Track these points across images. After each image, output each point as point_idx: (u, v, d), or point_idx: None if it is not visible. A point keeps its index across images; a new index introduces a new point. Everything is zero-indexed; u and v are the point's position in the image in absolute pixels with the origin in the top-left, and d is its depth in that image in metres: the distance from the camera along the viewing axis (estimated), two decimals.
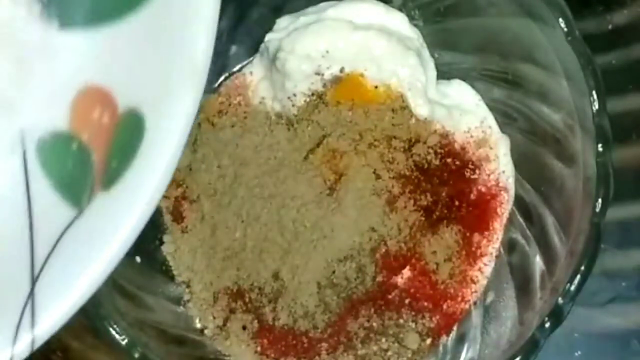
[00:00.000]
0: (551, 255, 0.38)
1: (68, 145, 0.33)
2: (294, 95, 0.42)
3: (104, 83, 0.32)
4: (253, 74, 0.45)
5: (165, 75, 0.31)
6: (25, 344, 0.31)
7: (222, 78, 0.46)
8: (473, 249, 0.42)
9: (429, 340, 0.42)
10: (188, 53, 0.31)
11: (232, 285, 0.42)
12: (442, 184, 0.42)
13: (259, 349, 0.42)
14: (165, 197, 0.41)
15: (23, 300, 0.31)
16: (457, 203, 0.42)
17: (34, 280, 0.31)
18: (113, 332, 0.36)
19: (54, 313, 0.31)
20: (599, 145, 0.36)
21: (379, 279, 0.41)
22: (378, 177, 0.41)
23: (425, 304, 0.42)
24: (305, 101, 0.42)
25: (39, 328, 0.31)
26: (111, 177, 0.32)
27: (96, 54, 0.33)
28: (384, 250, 0.41)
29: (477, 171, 0.43)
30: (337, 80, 0.43)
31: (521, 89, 0.42)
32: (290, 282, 0.41)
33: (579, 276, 0.35)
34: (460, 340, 0.42)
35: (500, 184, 0.43)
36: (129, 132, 0.32)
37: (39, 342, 0.31)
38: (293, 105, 0.42)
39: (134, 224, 0.31)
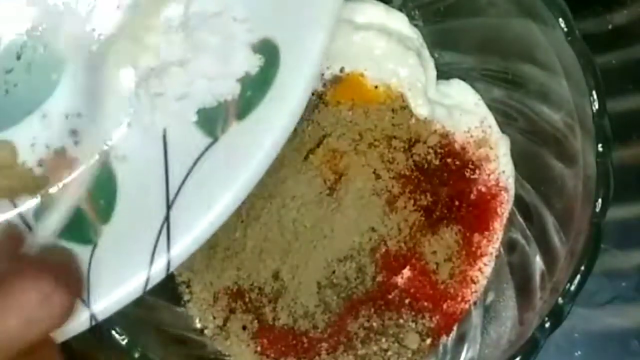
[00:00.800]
0: (551, 255, 0.38)
1: None
2: None
3: (242, 13, 0.33)
4: None
5: (300, 10, 0.32)
6: (161, 266, 0.32)
7: None
8: (473, 249, 0.42)
9: (429, 340, 0.42)
10: None
11: (232, 285, 0.42)
12: (442, 184, 0.42)
13: (259, 349, 0.42)
14: None
15: (159, 225, 0.32)
16: (457, 203, 0.42)
17: (169, 205, 0.33)
18: (113, 332, 0.36)
19: (189, 236, 0.32)
20: (599, 145, 0.36)
21: (379, 279, 0.41)
22: (378, 177, 0.41)
23: (425, 304, 0.42)
24: None
25: (174, 250, 0.32)
26: (245, 107, 0.32)
27: None
28: (384, 250, 0.41)
29: (477, 171, 0.43)
30: (337, 80, 0.43)
31: (521, 89, 0.42)
32: (290, 282, 0.41)
33: (579, 276, 0.35)
34: (460, 340, 0.42)
35: (500, 184, 0.43)
36: (263, 63, 0.32)
37: (174, 264, 0.32)
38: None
39: (267, 151, 0.32)
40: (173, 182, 0.33)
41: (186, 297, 0.43)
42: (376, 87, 0.43)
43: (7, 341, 0.26)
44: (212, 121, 0.33)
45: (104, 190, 0.33)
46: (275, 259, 0.41)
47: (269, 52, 0.32)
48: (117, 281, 0.32)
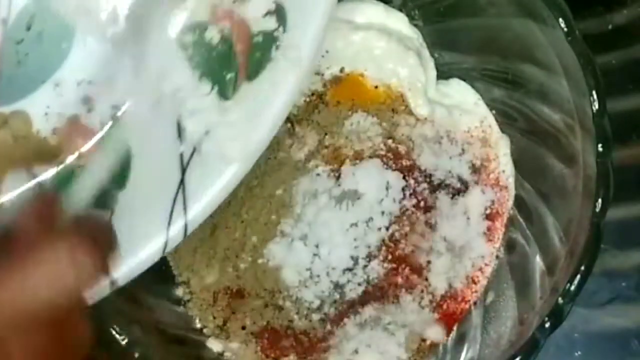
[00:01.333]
0: (551, 255, 0.38)
1: (210, 36, 0.33)
2: None
3: None
4: None
5: None
6: (178, 229, 0.33)
7: None
8: None
9: (429, 340, 0.42)
10: None
11: (232, 285, 0.42)
12: (442, 183, 0.42)
13: (259, 349, 0.42)
14: None
15: (174, 188, 0.33)
16: (457, 203, 0.42)
17: (183, 169, 0.33)
18: (113, 332, 0.36)
19: (205, 199, 0.33)
20: (599, 145, 0.35)
21: (379, 278, 0.41)
22: (378, 176, 0.41)
23: (425, 303, 0.42)
24: (305, 101, 0.42)
25: (190, 213, 0.33)
26: (254, 68, 0.33)
27: None
28: (384, 249, 0.41)
29: (477, 171, 0.43)
30: (337, 80, 0.43)
31: (521, 89, 0.42)
32: (291, 282, 0.41)
33: (579, 276, 0.35)
34: (460, 340, 0.42)
35: (501, 183, 0.43)
36: (270, 23, 0.33)
37: (191, 227, 0.33)
38: (293, 105, 0.42)
39: (278, 110, 0.32)
40: (187, 146, 0.33)
41: (186, 297, 0.43)
42: (376, 87, 0.43)
43: (35, 297, 0.26)
44: (222, 82, 0.33)
45: (118, 157, 0.33)
46: (275, 259, 0.41)
47: (278, 14, 0.33)
48: (135, 246, 0.33)
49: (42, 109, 0.33)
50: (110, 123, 0.34)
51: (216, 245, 0.42)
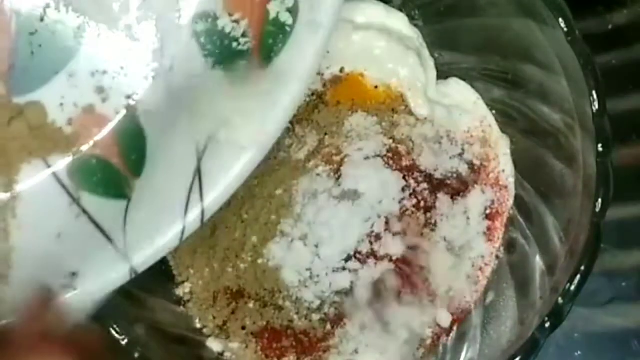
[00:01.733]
0: (551, 255, 0.38)
1: (223, 24, 0.34)
2: None
3: None
4: None
5: None
6: (195, 216, 0.34)
7: None
8: None
9: (429, 340, 0.42)
10: None
11: (232, 285, 0.42)
12: (442, 183, 0.42)
13: (259, 349, 0.42)
14: None
15: (190, 176, 0.34)
16: (457, 202, 0.42)
17: (199, 156, 0.34)
18: (113, 332, 0.36)
19: (221, 185, 0.34)
20: (599, 145, 0.36)
21: (379, 278, 0.41)
22: (378, 176, 0.41)
23: (425, 302, 0.42)
24: (305, 101, 0.42)
25: (207, 200, 0.34)
26: (267, 55, 0.34)
27: None
28: (383, 250, 0.41)
29: (477, 171, 0.43)
30: (337, 80, 0.43)
31: (521, 89, 0.42)
32: (291, 282, 0.41)
33: (579, 276, 0.35)
34: (460, 340, 0.42)
35: (501, 183, 0.43)
36: (282, 10, 0.33)
37: (209, 213, 0.34)
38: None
39: (293, 96, 0.33)
40: (202, 134, 0.34)
41: (186, 297, 0.43)
42: (376, 87, 0.43)
43: None
44: (235, 69, 0.33)
45: (134, 145, 0.34)
46: (275, 259, 0.41)
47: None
48: (153, 233, 0.34)
49: (57, 100, 0.33)
50: (124, 112, 0.34)
51: (216, 245, 0.42)
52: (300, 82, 0.34)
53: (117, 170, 0.34)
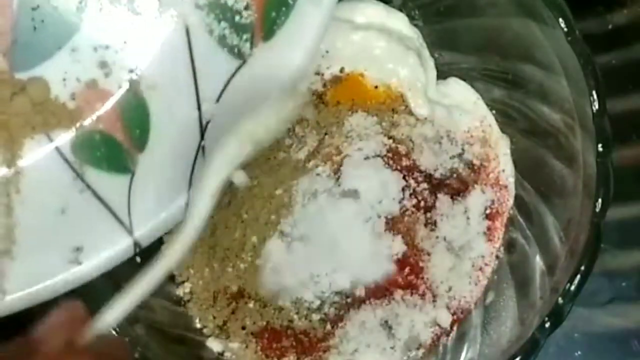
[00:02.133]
0: (551, 255, 0.38)
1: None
2: None
3: None
4: None
5: None
6: None
7: None
8: None
9: (429, 340, 0.42)
10: None
11: (232, 285, 0.42)
12: (442, 183, 0.42)
13: (259, 349, 0.42)
14: None
15: (194, 150, 0.34)
16: (457, 202, 0.42)
17: (202, 130, 0.34)
18: (113, 332, 0.36)
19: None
20: (599, 145, 0.35)
21: (379, 278, 0.41)
22: (378, 176, 0.41)
23: (425, 302, 0.42)
24: (305, 101, 0.42)
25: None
26: (270, 28, 0.33)
27: None
28: (384, 250, 0.41)
29: (477, 171, 0.43)
30: (337, 80, 0.43)
31: (521, 89, 0.42)
32: (291, 282, 0.41)
33: (579, 276, 0.35)
34: (460, 340, 0.42)
35: (501, 183, 0.43)
36: None
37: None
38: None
39: (298, 66, 0.33)
40: (205, 108, 0.34)
41: (186, 297, 0.43)
42: (376, 87, 0.43)
43: None
44: (238, 43, 0.33)
45: (137, 120, 0.34)
46: (275, 258, 0.41)
47: None
48: (157, 207, 0.34)
49: (60, 75, 0.34)
50: (127, 86, 0.34)
51: (216, 245, 0.42)
52: (304, 55, 0.33)
53: (120, 144, 0.34)
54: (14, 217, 0.33)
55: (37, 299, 0.34)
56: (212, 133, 0.34)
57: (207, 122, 0.34)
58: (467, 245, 0.42)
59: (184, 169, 0.34)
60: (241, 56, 0.34)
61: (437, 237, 0.42)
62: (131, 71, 0.34)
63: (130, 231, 0.34)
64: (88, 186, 0.34)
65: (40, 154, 0.34)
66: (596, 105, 0.36)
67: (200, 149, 0.34)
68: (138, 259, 0.40)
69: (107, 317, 0.30)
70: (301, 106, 0.35)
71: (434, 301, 0.42)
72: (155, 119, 0.34)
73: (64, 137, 0.34)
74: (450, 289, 0.42)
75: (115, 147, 0.34)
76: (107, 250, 0.34)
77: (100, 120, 0.34)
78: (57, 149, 0.34)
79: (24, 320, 0.33)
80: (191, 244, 0.31)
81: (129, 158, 0.34)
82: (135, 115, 0.34)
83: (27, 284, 0.34)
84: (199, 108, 0.34)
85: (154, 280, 0.30)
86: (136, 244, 0.34)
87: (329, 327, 0.41)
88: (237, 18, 0.34)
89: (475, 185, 0.43)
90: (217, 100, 0.34)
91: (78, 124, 0.34)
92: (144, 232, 0.34)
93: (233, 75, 0.34)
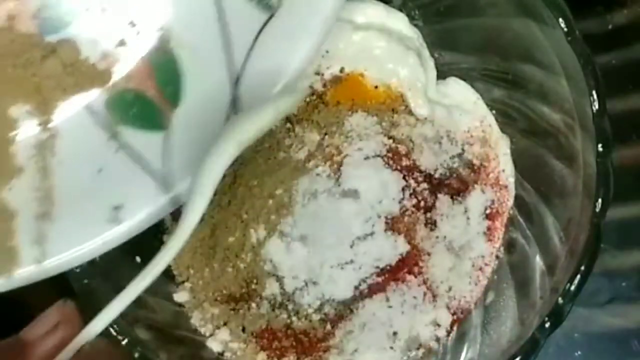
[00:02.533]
0: (551, 255, 0.38)
1: None
2: None
3: None
4: None
5: None
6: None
7: None
8: None
9: (429, 340, 0.42)
10: None
11: (232, 285, 0.42)
12: (442, 183, 0.42)
13: (259, 349, 0.42)
14: None
15: (227, 105, 0.34)
16: (457, 202, 0.42)
17: (234, 85, 0.34)
18: (113, 332, 0.36)
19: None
20: (599, 145, 0.35)
21: (379, 278, 0.41)
22: (378, 176, 0.41)
23: (425, 302, 0.42)
24: (305, 101, 0.42)
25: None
26: None
27: None
28: (384, 250, 0.41)
29: (477, 171, 0.43)
30: (337, 80, 0.43)
31: (521, 89, 0.42)
32: (290, 282, 0.41)
33: (579, 276, 0.35)
34: (460, 340, 0.42)
35: (501, 183, 0.43)
36: None
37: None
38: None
39: (326, 15, 0.33)
40: (236, 62, 0.34)
41: (186, 297, 0.43)
42: (376, 87, 0.43)
43: None
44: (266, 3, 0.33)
45: (168, 77, 0.34)
46: (275, 259, 0.41)
47: None
48: (192, 163, 0.33)
49: (90, 36, 0.34)
50: (157, 44, 0.34)
51: (216, 245, 0.42)
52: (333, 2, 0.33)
53: (153, 102, 0.34)
54: (51, 179, 0.33)
55: (77, 261, 0.34)
56: (244, 86, 0.34)
57: (238, 77, 0.34)
58: (467, 245, 0.42)
59: (216, 124, 0.34)
60: (270, 8, 0.33)
61: (437, 237, 0.42)
62: (160, 29, 0.34)
63: (166, 188, 0.34)
64: (123, 145, 0.34)
65: (73, 116, 0.34)
66: (596, 105, 0.36)
67: (232, 103, 0.34)
68: (138, 259, 0.41)
69: (103, 315, 0.29)
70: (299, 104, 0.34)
71: (434, 301, 0.42)
72: (188, 76, 0.34)
73: (96, 98, 0.34)
74: (450, 289, 0.42)
75: (148, 105, 0.34)
76: (146, 207, 0.34)
77: (132, 79, 0.34)
78: (90, 109, 0.34)
79: (17, 319, 0.33)
80: (185, 241, 0.31)
81: (162, 115, 0.34)
82: (167, 72, 0.34)
83: (68, 246, 0.33)
84: (229, 63, 0.34)
85: (149, 277, 0.30)
86: (174, 201, 0.34)
87: (329, 327, 0.41)
88: None
89: (475, 185, 0.43)
90: (247, 54, 0.34)
91: (110, 84, 0.34)
92: (182, 188, 0.34)
93: (261, 29, 0.34)
